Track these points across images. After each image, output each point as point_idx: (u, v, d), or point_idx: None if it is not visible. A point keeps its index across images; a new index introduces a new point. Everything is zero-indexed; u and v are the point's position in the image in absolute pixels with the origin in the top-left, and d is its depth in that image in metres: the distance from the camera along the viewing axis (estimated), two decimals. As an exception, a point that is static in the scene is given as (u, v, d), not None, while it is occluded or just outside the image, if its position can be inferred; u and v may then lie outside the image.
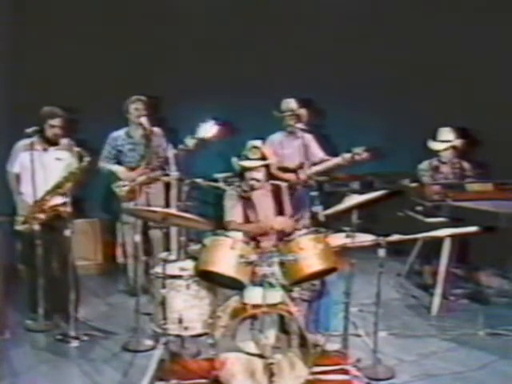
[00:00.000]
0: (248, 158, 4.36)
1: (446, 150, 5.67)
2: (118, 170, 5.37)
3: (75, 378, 4.05)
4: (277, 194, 4.46)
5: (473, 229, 4.09)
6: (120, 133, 5.46)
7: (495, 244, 4.67)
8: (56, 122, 4.76)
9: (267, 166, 4.40)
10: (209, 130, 4.89)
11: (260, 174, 4.36)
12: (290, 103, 5.65)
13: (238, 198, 4.42)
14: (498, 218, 4.67)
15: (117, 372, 4.07)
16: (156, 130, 5.41)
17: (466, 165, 5.75)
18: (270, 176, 4.51)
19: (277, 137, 5.70)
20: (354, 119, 6.58)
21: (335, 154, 5.56)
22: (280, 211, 4.42)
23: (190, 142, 4.96)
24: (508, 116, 6.33)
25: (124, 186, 5.28)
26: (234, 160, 4.41)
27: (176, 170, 4.47)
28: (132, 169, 5.34)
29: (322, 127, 6.15)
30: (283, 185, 4.57)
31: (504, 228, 4.57)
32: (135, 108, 5.35)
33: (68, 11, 6.15)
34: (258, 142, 4.48)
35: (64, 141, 4.89)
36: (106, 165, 5.41)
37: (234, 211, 4.37)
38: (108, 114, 5.82)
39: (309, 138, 5.64)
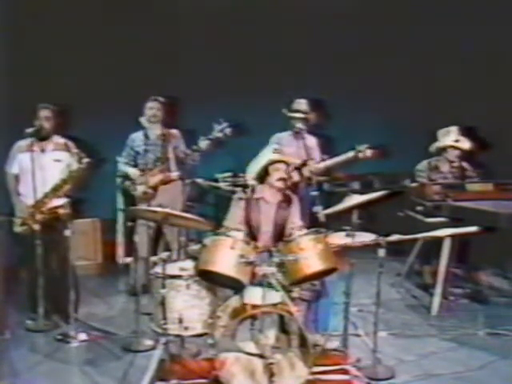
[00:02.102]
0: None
1: (453, 148, 5.63)
2: (130, 171, 5.36)
3: (75, 378, 4.06)
4: (285, 205, 4.31)
5: (473, 229, 4.09)
6: (138, 134, 5.41)
7: (495, 244, 4.67)
8: (41, 113, 4.76)
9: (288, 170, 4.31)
10: (222, 130, 4.92)
11: (285, 175, 4.25)
12: (302, 104, 5.62)
13: (244, 201, 4.30)
14: (498, 218, 4.67)
15: (117, 372, 4.06)
16: (174, 131, 5.41)
17: (465, 164, 5.74)
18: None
19: (279, 136, 5.69)
20: (355, 119, 6.58)
21: (336, 155, 5.55)
22: (281, 223, 4.30)
23: (202, 144, 4.99)
24: (508, 116, 6.33)
25: (136, 187, 5.28)
26: (262, 155, 4.31)
27: (176, 169, 4.49)
28: (144, 171, 5.30)
29: (324, 127, 6.15)
30: (295, 198, 4.43)
31: (504, 228, 4.57)
32: (149, 107, 5.31)
33: (68, 11, 6.15)
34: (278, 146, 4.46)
35: (61, 140, 4.88)
36: (122, 167, 5.41)
37: (232, 216, 4.31)
38: (108, 114, 5.83)
39: (313, 140, 5.63)
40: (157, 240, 5.29)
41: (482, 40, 6.47)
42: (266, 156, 4.29)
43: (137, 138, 5.39)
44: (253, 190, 4.33)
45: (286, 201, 4.34)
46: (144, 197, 5.21)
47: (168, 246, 5.30)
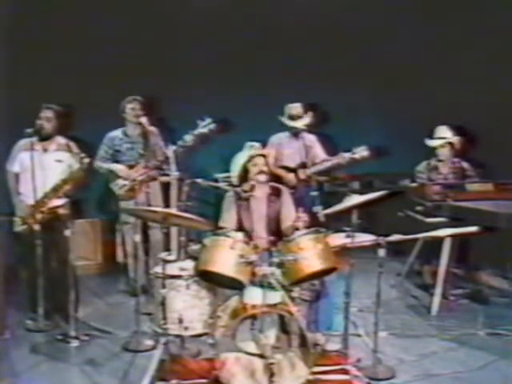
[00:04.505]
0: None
1: (442, 146, 5.67)
2: (118, 168, 5.38)
3: (75, 378, 4.05)
4: (275, 198, 4.39)
5: (473, 229, 4.08)
6: (116, 133, 5.49)
7: (495, 244, 4.66)
8: (43, 113, 4.77)
9: (267, 162, 4.37)
10: (206, 126, 4.94)
11: (265, 167, 4.34)
12: (297, 108, 5.64)
13: (236, 201, 4.38)
14: (498, 218, 4.67)
15: (117, 372, 4.07)
16: (152, 129, 5.42)
17: (465, 164, 5.75)
18: (270, 177, 4.46)
19: (278, 137, 5.70)
20: (355, 119, 6.59)
21: (336, 154, 5.56)
22: (275, 217, 4.36)
23: (188, 138, 5.01)
24: (508, 116, 6.33)
25: (123, 184, 5.30)
26: (238, 156, 4.38)
27: (176, 169, 4.49)
28: (131, 167, 5.36)
29: (320, 128, 6.16)
30: (284, 188, 4.52)
31: (504, 228, 4.57)
32: (131, 108, 5.39)
33: (68, 11, 6.15)
34: (255, 143, 4.50)
35: (63, 141, 4.89)
36: (104, 164, 5.42)
37: (227, 216, 4.35)
38: (107, 114, 5.81)
39: (312, 138, 5.66)
40: (148, 240, 5.37)
41: (482, 40, 6.48)
42: (242, 155, 4.38)
43: (116, 137, 5.47)
44: (242, 190, 4.37)
45: (275, 194, 4.41)
46: (128, 194, 5.23)
47: (168, 246, 5.30)
